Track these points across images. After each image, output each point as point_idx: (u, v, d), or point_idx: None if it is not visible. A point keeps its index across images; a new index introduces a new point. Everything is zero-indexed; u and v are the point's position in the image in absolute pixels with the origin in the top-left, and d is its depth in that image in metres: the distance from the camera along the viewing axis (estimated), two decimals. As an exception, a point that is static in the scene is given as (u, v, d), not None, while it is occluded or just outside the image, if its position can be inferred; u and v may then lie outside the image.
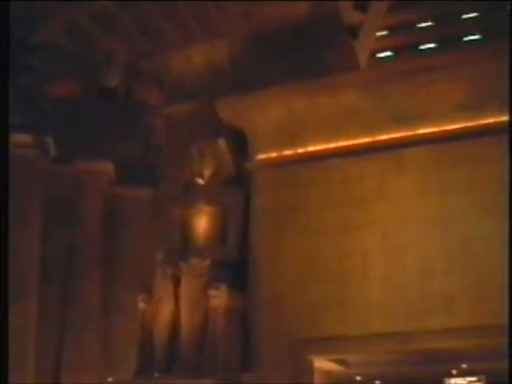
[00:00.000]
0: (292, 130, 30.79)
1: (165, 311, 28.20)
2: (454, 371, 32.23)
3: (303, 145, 30.50)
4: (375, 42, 34.00)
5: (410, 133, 28.44)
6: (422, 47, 35.05)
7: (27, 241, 32.00)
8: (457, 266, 26.20)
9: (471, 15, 34.26)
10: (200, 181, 30.99)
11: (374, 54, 33.81)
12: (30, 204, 32.58)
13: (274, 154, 30.94)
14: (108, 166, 35.14)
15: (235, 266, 28.86)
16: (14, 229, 31.73)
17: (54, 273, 33.36)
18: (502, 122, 26.54)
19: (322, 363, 29.20)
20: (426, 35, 35.42)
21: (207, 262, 28.27)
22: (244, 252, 29.57)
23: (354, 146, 29.70)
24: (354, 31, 32.83)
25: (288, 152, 30.69)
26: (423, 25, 35.51)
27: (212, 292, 27.55)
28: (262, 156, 30.97)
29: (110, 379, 32.05)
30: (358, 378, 33.81)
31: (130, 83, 35.42)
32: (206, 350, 27.07)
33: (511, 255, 23.35)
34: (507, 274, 24.01)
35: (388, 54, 34.99)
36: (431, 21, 35.46)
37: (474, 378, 32.75)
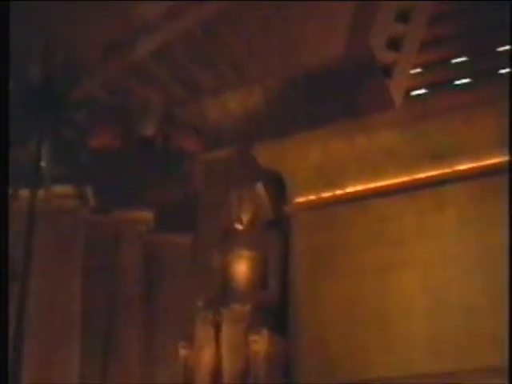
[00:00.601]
0: (330, 171, 30.81)
1: (206, 357, 28.18)
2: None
3: (341, 186, 30.44)
4: (409, 79, 33.96)
5: (449, 170, 28.21)
6: (458, 82, 34.81)
7: (69, 291, 32.13)
8: (500, 302, 25.83)
9: (506, 48, 33.95)
10: (239, 226, 31.13)
11: (408, 92, 33.69)
12: (70, 254, 32.58)
13: (312, 197, 30.95)
14: (147, 214, 34.77)
15: (276, 310, 28.79)
16: (55, 279, 32.56)
17: (96, 322, 33.26)
18: (542, 157, 26.65)
19: (366, 406, 29.35)
20: (461, 70, 34.99)
21: (248, 307, 28.25)
22: (284, 296, 29.46)
23: (392, 185, 29.53)
24: (387, 70, 32.91)
25: (326, 194, 30.80)
26: (457, 60, 35.31)
27: (253, 337, 27.46)
28: (300, 199, 30.96)
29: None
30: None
31: (167, 131, 35.80)
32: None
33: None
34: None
35: (423, 91, 34.85)
36: (465, 55, 35.23)
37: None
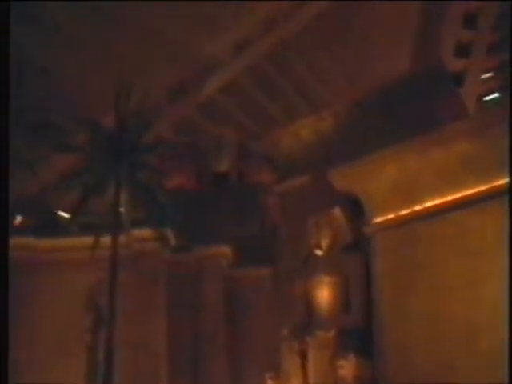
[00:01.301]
0: (406, 187, 30.00)
1: (294, 386, 28.04)
2: None
3: (419, 201, 29.50)
4: (481, 85, 33.05)
5: (530, 175, 27.58)
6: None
7: (154, 331, 32.48)
8: None
9: None
10: (319, 252, 30.72)
11: (480, 98, 32.73)
12: (154, 295, 33.12)
13: (390, 215, 30.11)
14: (226, 249, 35.28)
15: (361, 333, 28.05)
16: (140, 321, 32.83)
17: (182, 358, 33.47)
18: None
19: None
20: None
21: (332, 333, 27.66)
22: (368, 317, 28.71)
23: (471, 195, 28.70)
24: (458, 77, 32.13)
25: (404, 211, 30.04)
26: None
27: (340, 362, 26.88)
28: (378, 219, 30.21)
29: None
30: None
31: (240, 165, 35.96)
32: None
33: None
34: None
35: (495, 95, 33.78)
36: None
37: None
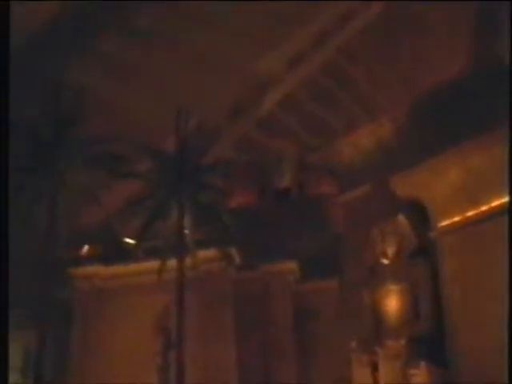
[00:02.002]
0: (471, 188, 29.34)
1: (365, 399, 27.44)
2: None
3: (485, 202, 28.95)
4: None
5: None
6: None
7: (223, 350, 32.01)
8: None
9: None
10: (385, 260, 30.31)
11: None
12: (222, 314, 32.67)
13: (456, 218, 29.62)
14: (292, 265, 34.60)
15: (431, 340, 27.52)
16: (209, 341, 32.74)
17: (252, 375, 32.80)
18: None
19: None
20: None
21: (403, 342, 27.19)
22: (438, 324, 28.14)
23: (539, 191, 28.00)
24: (518, 75, 31.14)
25: (471, 212, 29.44)
26: None
27: (412, 371, 26.41)
28: (444, 222, 29.71)
29: None
30: None
31: (301, 179, 35.67)
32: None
33: None
34: None
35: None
36: None
37: None
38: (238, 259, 33.98)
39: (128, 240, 35.09)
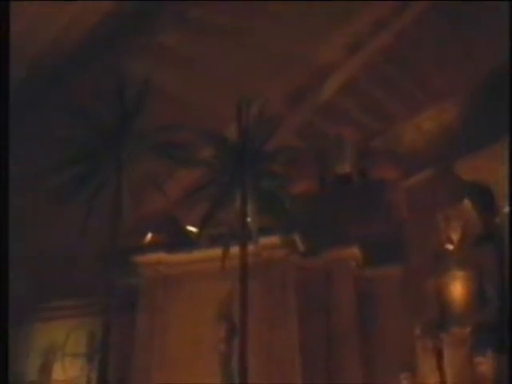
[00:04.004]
0: (538, 172, 28.95)
1: (431, 386, 27.12)
2: None
3: (552, 185, 28.43)
4: None
5: None
6: None
7: (286, 337, 31.87)
8: None
9: None
10: (449, 246, 29.75)
11: None
12: (285, 301, 32.73)
13: (523, 201, 29.20)
14: (354, 251, 34.34)
15: (498, 328, 26.87)
16: (272, 328, 32.77)
17: (315, 364, 32.42)
18: None
19: None
20: None
21: (468, 329, 26.81)
22: (505, 311, 27.44)
23: None
24: None
25: (540, 194, 28.82)
26: None
27: (478, 359, 26.03)
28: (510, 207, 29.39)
29: None
30: None
31: (363, 164, 35.37)
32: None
33: None
34: None
35: None
36: None
37: None
38: (300, 246, 33.89)
39: (191, 228, 35.45)
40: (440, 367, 26.80)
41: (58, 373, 39.39)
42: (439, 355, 26.89)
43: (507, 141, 29.12)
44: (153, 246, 35.99)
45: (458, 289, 28.81)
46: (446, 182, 31.13)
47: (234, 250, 29.28)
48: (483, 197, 30.10)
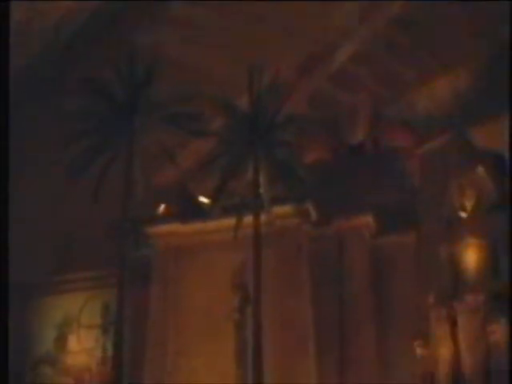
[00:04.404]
0: (552, 138, 28.69)
1: (444, 354, 26.95)
2: None
3: None
4: None
5: None
6: None
7: (300, 306, 32.07)
8: None
9: None
10: (463, 214, 29.68)
11: None
12: (298, 270, 32.77)
13: (537, 169, 29.01)
14: (368, 219, 34.20)
15: (510, 297, 27.04)
16: (286, 296, 32.89)
17: (329, 332, 32.43)
18: None
19: None
20: None
21: (482, 297, 26.80)
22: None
23: None
24: None
25: (552, 163, 28.64)
26: None
27: (491, 327, 26.09)
28: (524, 174, 29.22)
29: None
30: None
31: (375, 133, 35.14)
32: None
33: None
34: None
35: None
36: None
37: None
38: (313, 215, 33.75)
39: (203, 199, 35.45)
40: (453, 335, 26.81)
41: (73, 344, 40.13)
42: (453, 323, 26.98)
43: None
44: (165, 217, 36.10)
45: (471, 257, 28.73)
46: (460, 150, 31.02)
47: (247, 219, 29.27)
48: (497, 164, 30.05)
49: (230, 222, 29.98)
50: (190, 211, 35.48)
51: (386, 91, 32.92)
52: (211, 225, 33.69)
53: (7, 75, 9.85)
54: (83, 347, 39.21)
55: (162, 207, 36.93)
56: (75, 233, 36.59)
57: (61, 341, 39.97)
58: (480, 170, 29.69)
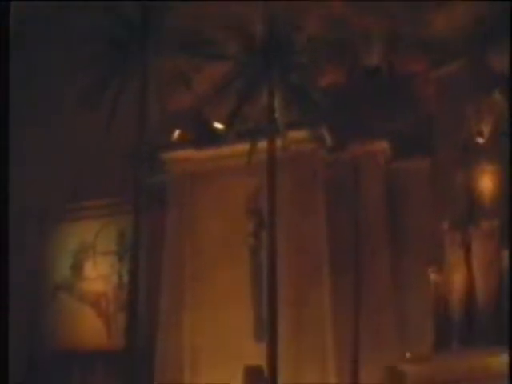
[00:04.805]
0: None
1: (458, 280, 27.07)
2: None
3: None
4: None
5: None
6: None
7: (315, 231, 32.38)
8: None
9: None
10: (480, 139, 29.42)
11: None
12: (313, 195, 32.90)
13: (556, 94, 28.50)
14: (383, 145, 33.83)
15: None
16: (301, 222, 33.03)
17: (343, 257, 32.70)
18: None
19: None
20: None
21: (496, 223, 26.77)
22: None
23: None
24: None
25: None
26: None
27: (505, 252, 26.12)
28: (543, 98, 28.75)
29: (408, 355, 31.22)
30: None
31: (391, 56, 34.55)
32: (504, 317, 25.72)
33: None
34: None
35: None
36: None
37: None
38: (328, 140, 33.41)
39: (218, 124, 35.28)
40: (468, 261, 26.95)
41: (89, 271, 40.69)
42: (467, 249, 27.07)
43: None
44: (180, 143, 35.88)
45: (486, 182, 28.50)
46: (477, 74, 30.54)
47: (262, 144, 29.17)
48: (515, 89, 29.72)
49: (244, 147, 29.95)
50: (204, 137, 35.31)
51: (402, 12, 32.25)
52: (226, 150, 33.57)
53: (7, 75, 9.73)
54: (99, 273, 39.80)
55: (177, 133, 36.71)
56: (90, 160, 36.72)
57: (77, 267, 40.54)
58: (497, 94, 29.22)
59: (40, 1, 32.82)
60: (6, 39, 9.82)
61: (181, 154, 35.50)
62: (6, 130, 9.68)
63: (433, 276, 27.97)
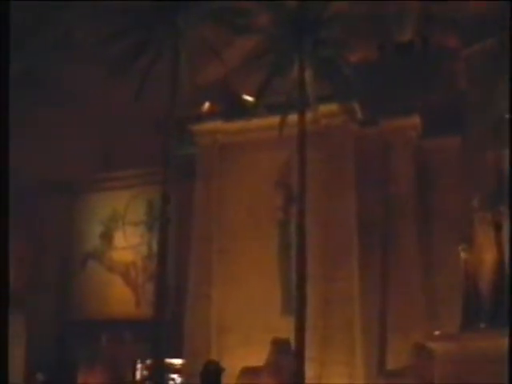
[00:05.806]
0: None
1: (488, 259, 26.75)
2: None
3: None
4: None
5: None
6: None
7: (344, 206, 32.48)
8: None
9: None
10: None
11: None
12: (343, 169, 33.05)
13: None
14: (414, 120, 33.91)
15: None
16: (330, 197, 33.06)
17: (372, 233, 32.89)
18: None
19: None
20: None
21: (527, 201, 26.65)
22: None
23: None
24: None
25: None
26: None
27: (536, 232, 26.00)
28: None
29: (436, 333, 31.24)
30: None
31: (424, 32, 34.29)
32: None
33: None
34: None
35: None
36: None
37: None
38: (359, 114, 33.46)
39: (248, 97, 35.20)
40: (498, 240, 26.76)
41: (119, 240, 41.11)
42: (497, 228, 26.85)
43: None
44: (210, 115, 36.14)
45: (517, 161, 28.58)
46: (509, 51, 30.27)
47: (292, 118, 29.12)
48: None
49: (274, 120, 29.86)
50: (234, 109, 35.39)
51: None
52: (255, 123, 33.45)
53: (7, 75, 9.73)
54: (129, 243, 40.25)
55: (207, 105, 36.85)
56: (120, 131, 36.84)
57: (107, 237, 41.03)
58: (530, 73, 29.13)
59: (40, 1, 32.70)
60: (6, 39, 9.81)
61: (210, 125, 35.80)
62: (6, 131, 9.72)
63: (462, 255, 27.89)
